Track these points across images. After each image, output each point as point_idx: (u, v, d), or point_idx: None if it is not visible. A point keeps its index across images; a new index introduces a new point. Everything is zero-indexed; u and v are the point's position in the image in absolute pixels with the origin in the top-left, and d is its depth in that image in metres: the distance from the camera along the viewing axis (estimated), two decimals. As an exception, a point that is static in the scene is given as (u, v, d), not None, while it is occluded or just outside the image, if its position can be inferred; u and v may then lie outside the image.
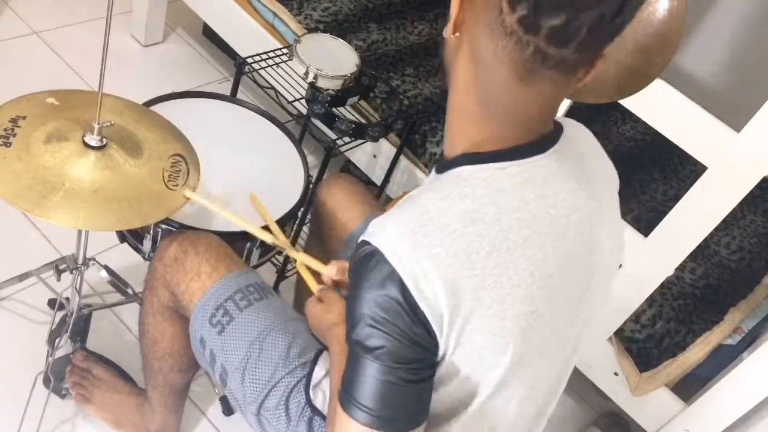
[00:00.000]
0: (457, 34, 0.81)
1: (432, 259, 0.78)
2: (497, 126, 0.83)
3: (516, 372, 0.86)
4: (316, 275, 1.21)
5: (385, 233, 0.80)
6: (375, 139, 1.76)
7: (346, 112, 1.86)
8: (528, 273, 0.82)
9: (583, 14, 0.71)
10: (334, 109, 1.72)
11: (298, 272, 1.70)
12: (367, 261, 0.80)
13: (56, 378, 1.47)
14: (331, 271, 1.15)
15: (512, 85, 0.78)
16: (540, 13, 0.72)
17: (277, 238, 1.25)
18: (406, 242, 0.78)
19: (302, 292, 1.63)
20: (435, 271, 0.77)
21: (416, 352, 0.80)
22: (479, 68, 0.80)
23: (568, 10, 0.71)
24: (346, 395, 0.82)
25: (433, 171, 0.90)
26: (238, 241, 1.33)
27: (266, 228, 1.28)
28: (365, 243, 0.81)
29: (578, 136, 0.93)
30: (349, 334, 0.83)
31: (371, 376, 0.80)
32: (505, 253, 0.80)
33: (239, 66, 1.78)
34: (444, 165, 0.87)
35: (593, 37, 0.74)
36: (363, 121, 1.92)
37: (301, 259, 1.21)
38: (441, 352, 0.82)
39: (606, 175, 0.97)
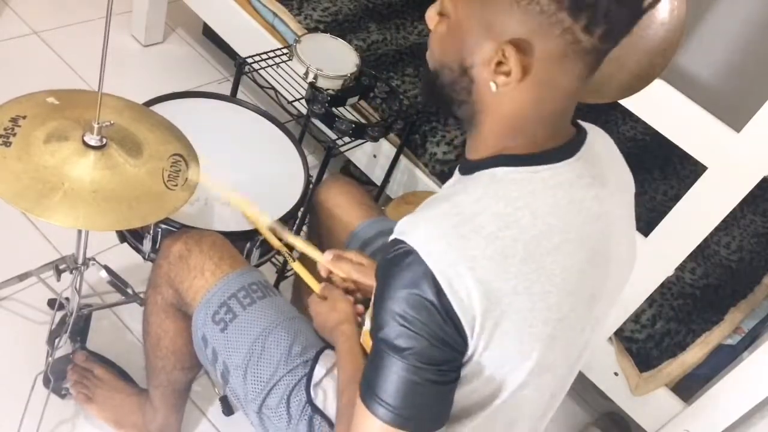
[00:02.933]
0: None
1: (468, 261, 0.77)
2: (535, 131, 0.83)
3: (536, 377, 0.86)
4: (316, 273, 1.22)
5: (419, 232, 0.79)
6: (375, 139, 1.76)
7: (346, 112, 1.86)
8: (559, 279, 0.82)
9: None
10: (334, 109, 1.72)
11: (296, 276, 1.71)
12: (400, 260, 0.79)
13: (56, 378, 1.46)
14: (328, 256, 1.18)
15: (581, 83, 0.80)
16: (613, 22, 0.74)
17: (271, 239, 1.27)
18: (441, 242, 0.78)
19: (300, 289, 1.63)
20: (470, 273, 0.77)
21: (445, 353, 0.79)
22: (544, 90, 0.80)
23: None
24: (369, 392, 0.82)
25: (457, 172, 0.89)
26: (238, 241, 1.33)
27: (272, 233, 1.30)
28: (399, 242, 0.80)
29: (599, 142, 0.93)
30: (375, 331, 0.82)
31: (396, 374, 0.79)
32: (538, 258, 0.80)
33: (239, 66, 1.78)
34: (472, 166, 0.86)
35: None
36: (363, 121, 1.92)
37: (298, 246, 1.23)
38: (469, 353, 0.81)
39: (623, 183, 0.96)
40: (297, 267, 1.27)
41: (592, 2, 0.72)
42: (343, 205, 1.40)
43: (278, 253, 1.37)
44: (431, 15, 0.84)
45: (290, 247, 1.32)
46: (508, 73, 0.77)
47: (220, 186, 1.22)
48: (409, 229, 0.80)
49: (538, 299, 0.80)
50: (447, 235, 0.78)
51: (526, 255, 0.79)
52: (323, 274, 1.22)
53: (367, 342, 0.86)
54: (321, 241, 1.47)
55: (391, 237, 0.82)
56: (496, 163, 0.83)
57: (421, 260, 0.77)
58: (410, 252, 0.78)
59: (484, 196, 0.81)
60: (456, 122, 1.94)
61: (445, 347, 0.79)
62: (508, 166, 0.82)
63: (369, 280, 1.17)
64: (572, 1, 0.72)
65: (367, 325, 0.86)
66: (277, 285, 1.85)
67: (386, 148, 1.95)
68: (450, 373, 0.82)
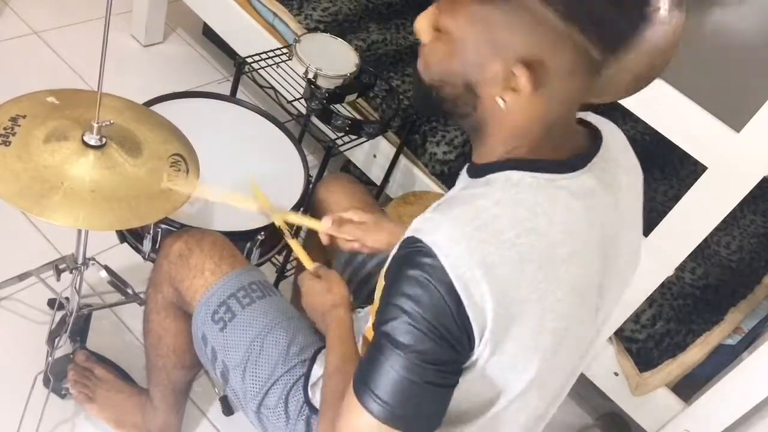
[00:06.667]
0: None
1: (485, 267, 0.76)
2: (540, 137, 0.81)
3: (538, 383, 0.86)
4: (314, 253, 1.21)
5: (438, 234, 0.77)
6: (371, 136, 1.76)
7: (345, 112, 1.86)
8: (569, 288, 0.81)
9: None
10: (332, 107, 1.72)
11: (295, 269, 1.70)
12: (416, 258, 0.77)
13: (56, 378, 1.46)
14: (327, 223, 1.18)
15: (587, 92, 0.80)
16: (623, 38, 0.74)
17: (262, 207, 1.26)
18: (459, 246, 0.76)
19: (300, 289, 1.63)
20: (486, 279, 0.76)
21: (448, 354, 0.78)
22: (553, 102, 0.78)
23: (631, 15, 0.74)
24: (363, 385, 0.80)
25: (465, 175, 0.88)
26: (238, 240, 1.33)
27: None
28: (416, 240, 0.78)
29: (612, 144, 0.91)
30: (379, 325, 0.80)
31: (395, 371, 0.78)
32: (552, 267, 0.79)
33: (239, 66, 1.78)
34: (482, 169, 0.84)
35: None
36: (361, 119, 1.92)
37: (294, 220, 1.24)
38: (474, 358, 0.80)
39: (633, 186, 0.94)
40: (293, 243, 1.26)
41: (606, 19, 0.71)
42: (343, 203, 1.39)
43: (280, 252, 1.36)
44: (424, 28, 0.81)
45: (289, 225, 1.28)
46: (516, 89, 0.76)
47: (205, 189, 1.21)
48: (428, 229, 0.78)
49: (549, 308, 0.80)
50: (467, 237, 0.76)
51: (541, 263, 0.78)
52: (325, 242, 1.20)
53: (369, 337, 0.85)
54: (321, 239, 1.47)
55: (407, 234, 0.80)
56: (508, 167, 0.82)
57: (438, 262, 0.76)
58: (427, 252, 0.76)
59: (503, 200, 0.79)
60: (456, 123, 1.94)
61: (449, 349, 0.78)
62: (522, 170, 0.81)
63: (373, 239, 1.17)
64: (586, 19, 0.71)
65: (370, 321, 0.85)
66: (276, 285, 1.85)
67: (386, 148, 1.94)
68: (450, 376, 0.81)
